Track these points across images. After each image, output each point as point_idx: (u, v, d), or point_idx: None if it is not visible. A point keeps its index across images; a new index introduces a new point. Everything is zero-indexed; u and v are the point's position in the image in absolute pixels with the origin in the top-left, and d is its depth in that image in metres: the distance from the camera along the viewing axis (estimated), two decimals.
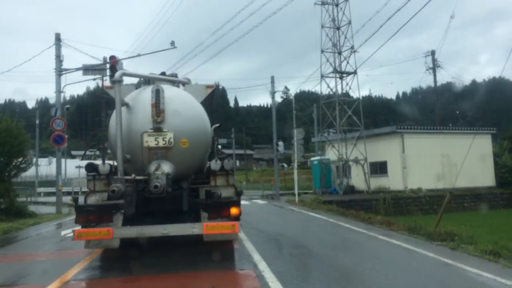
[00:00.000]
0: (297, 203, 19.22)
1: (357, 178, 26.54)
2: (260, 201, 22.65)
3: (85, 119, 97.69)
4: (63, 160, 42.29)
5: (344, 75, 25.75)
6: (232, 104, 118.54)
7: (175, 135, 6.41)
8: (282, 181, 46.08)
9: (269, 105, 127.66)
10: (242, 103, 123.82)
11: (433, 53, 33.79)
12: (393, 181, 24.63)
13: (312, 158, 30.02)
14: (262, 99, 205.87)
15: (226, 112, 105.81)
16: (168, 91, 6.72)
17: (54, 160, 44.11)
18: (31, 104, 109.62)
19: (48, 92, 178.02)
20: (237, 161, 61.00)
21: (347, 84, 25.53)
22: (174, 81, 7.83)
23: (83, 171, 35.72)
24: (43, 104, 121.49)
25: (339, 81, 25.86)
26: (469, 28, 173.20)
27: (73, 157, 72.82)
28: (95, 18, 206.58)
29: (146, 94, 6.65)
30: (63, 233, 11.04)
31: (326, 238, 9.48)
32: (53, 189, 35.08)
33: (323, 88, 26.95)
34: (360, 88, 26.50)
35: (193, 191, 7.17)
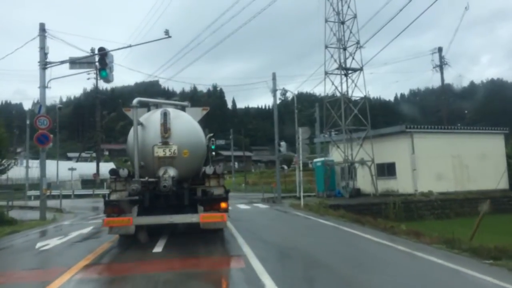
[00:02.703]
0: (302, 208, 17.65)
1: (363, 180, 25.02)
2: (261, 205, 21.06)
3: (82, 121, 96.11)
4: (54, 162, 40.56)
5: (350, 71, 24.24)
6: (230, 105, 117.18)
7: (179, 147, 8.03)
8: (283, 183, 44.43)
9: (267, 106, 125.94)
10: (240, 104, 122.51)
11: (440, 50, 32.28)
12: (402, 184, 23.11)
13: (315, 160, 28.47)
14: (260, 101, 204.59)
15: (224, 113, 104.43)
16: (173, 113, 8.36)
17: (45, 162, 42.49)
18: (28, 105, 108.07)
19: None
20: (236, 163, 59.45)
21: (352, 81, 24.04)
22: (177, 105, 9.52)
23: (75, 173, 34.04)
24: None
25: (344, 78, 24.38)
26: (471, 29, 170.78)
27: (69, 159, 71.28)
28: (85, 13, 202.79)
29: (156, 116, 8.27)
30: (38, 245, 9.42)
31: (348, 253, 7.89)
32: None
33: (326, 87, 25.44)
34: (361, 88, 24.93)
35: (192, 190, 8.65)
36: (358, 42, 23.91)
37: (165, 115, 8.09)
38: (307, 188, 32.54)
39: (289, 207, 18.82)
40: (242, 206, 20.31)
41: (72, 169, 36.89)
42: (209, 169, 8.68)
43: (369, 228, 10.72)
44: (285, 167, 47.33)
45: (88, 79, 43.87)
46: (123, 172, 8.47)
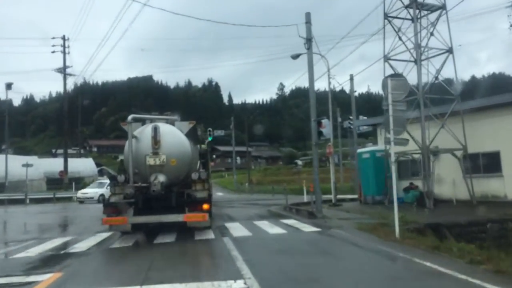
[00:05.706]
0: (399, 240, 8.25)
1: (438, 180, 15.77)
2: (303, 227, 11.21)
3: (71, 117, 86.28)
4: (3, 157, 30.68)
5: (424, 11, 14.94)
6: (226, 100, 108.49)
7: (167, 157, 9.26)
8: (294, 183, 35.34)
9: (265, 101, 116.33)
10: (237, 100, 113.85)
11: None
12: None
13: (360, 150, 19.20)
14: (257, 96, 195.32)
15: (220, 108, 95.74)
16: (163, 127, 9.52)
17: None
18: (17, 102, 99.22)
19: (35, 89, 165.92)
20: (238, 158, 50.03)
21: (433, 25, 14.69)
22: (168, 119, 10.30)
23: (40, 171, 22.78)
24: (29, 102, 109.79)
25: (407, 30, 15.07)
26: (471, 24, 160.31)
27: (55, 156, 62.47)
28: None
29: (148, 130, 9.47)
30: None
31: None
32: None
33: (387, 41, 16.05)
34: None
35: (180, 193, 9.80)
36: None
37: (155, 129, 9.23)
38: (326, 189, 23.10)
39: (366, 234, 9.29)
40: (270, 229, 10.69)
41: (27, 165, 26.50)
42: (194, 175, 9.84)
43: None
44: (299, 162, 38.06)
45: (53, 52, 33.97)
46: (121, 178, 9.57)
